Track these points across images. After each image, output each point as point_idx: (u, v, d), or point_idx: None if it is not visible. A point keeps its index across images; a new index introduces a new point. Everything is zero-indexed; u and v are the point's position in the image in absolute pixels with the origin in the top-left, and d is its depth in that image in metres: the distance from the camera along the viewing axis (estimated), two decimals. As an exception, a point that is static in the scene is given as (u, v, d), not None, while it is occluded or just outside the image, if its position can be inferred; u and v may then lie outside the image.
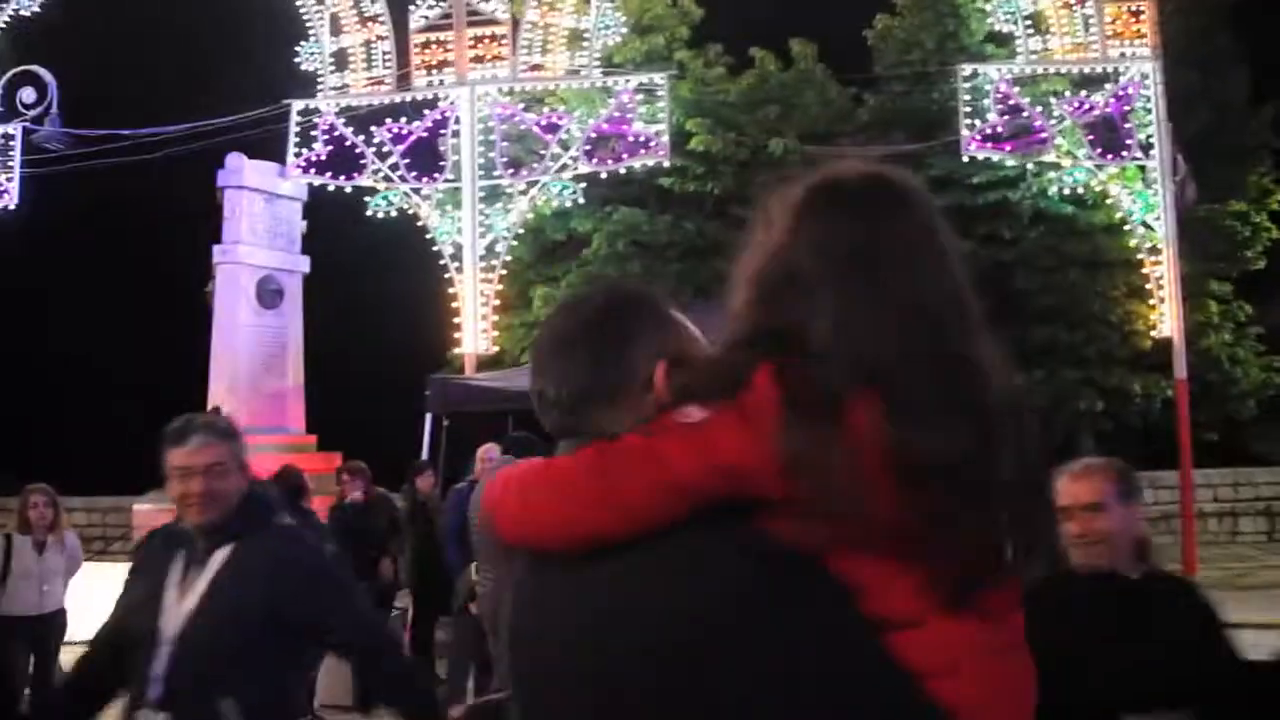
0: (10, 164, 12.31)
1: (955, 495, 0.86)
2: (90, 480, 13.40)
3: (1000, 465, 0.89)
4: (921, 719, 0.88)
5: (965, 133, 11.48)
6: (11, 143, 12.34)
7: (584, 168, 11.66)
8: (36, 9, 12.45)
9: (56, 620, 6.40)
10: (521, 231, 12.09)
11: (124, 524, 12.16)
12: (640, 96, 11.84)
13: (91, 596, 9.75)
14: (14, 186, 12.25)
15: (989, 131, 11.51)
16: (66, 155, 12.88)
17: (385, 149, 11.68)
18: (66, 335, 14.09)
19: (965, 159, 11.56)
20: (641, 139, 11.65)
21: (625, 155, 11.66)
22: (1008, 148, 11.50)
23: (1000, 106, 11.50)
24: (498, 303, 12.00)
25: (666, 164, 11.73)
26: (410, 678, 2.31)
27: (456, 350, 11.87)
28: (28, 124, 12.41)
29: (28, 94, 12.45)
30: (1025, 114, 11.50)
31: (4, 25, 12.52)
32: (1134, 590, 2.11)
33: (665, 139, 11.56)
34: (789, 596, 0.89)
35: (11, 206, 12.28)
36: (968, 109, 11.56)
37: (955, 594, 0.88)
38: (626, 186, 12.48)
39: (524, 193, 11.81)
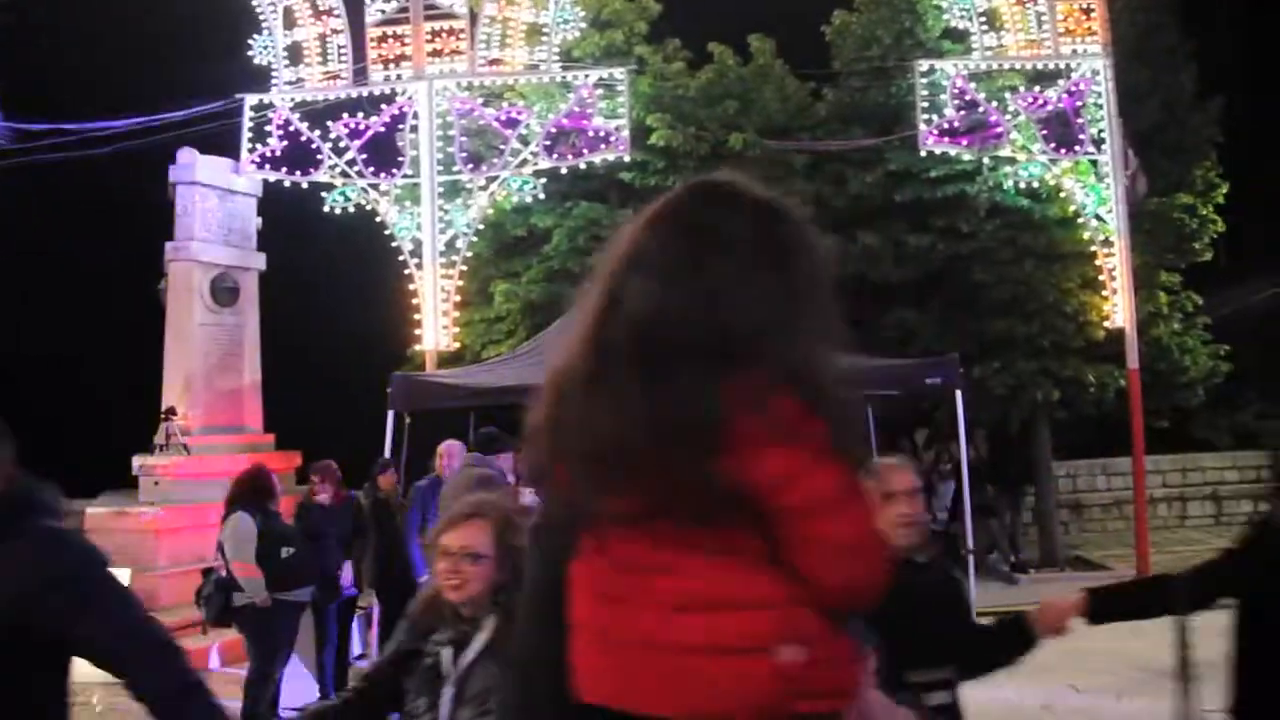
0: (-49, 159, 11.97)
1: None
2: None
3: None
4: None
5: (923, 127, 11.61)
6: (-47, 138, 12.00)
7: (544, 163, 11.62)
8: (-24, 0, 12.11)
9: None
10: (481, 227, 12.01)
11: (75, 528, 11.85)
12: (600, 91, 11.82)
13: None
14: (-44, 183, 11.92)
15: (946, 126, 11.66)
16: (7, 150, 12.53)
17: (342, 144, 11.54)
18: (13, 335, 13.71)
19: (923, 153, 11.68)
20: (601, 134, 11.63)
21: (585, 150, 11.63)
22: (964, 142, 11.65)
23: (957, 102, 11.65)
24: (458, 299, 11.91)
25: (627, 159, 11.73)
26: (184, 696, 2.05)
27: (417, 347, 11.77)
28: (-31, 119, 12.08)
29: (-32, 89, 12.11)
30: (981, 109, 11.66)
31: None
32: (925, 570, 2.65)
33: (625, 134, 11.56)
34: None
35: (-47, 203, 11.95)
36: (925, 104, 11.69)
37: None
38: (587, 181, 12.42)
39: (484, 188, 11.74)
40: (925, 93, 11.74)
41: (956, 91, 11.67)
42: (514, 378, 9.01)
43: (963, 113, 11.65)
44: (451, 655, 2.40)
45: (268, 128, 11.51)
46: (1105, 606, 2.89)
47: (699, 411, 1.06)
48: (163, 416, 10.54)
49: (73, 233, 14.27)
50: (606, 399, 1.09)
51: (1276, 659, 2.57)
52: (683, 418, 1.05)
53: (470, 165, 11.69)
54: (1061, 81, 11.76)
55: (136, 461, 10.48)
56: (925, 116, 11.65)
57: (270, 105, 11.58)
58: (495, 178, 11.71)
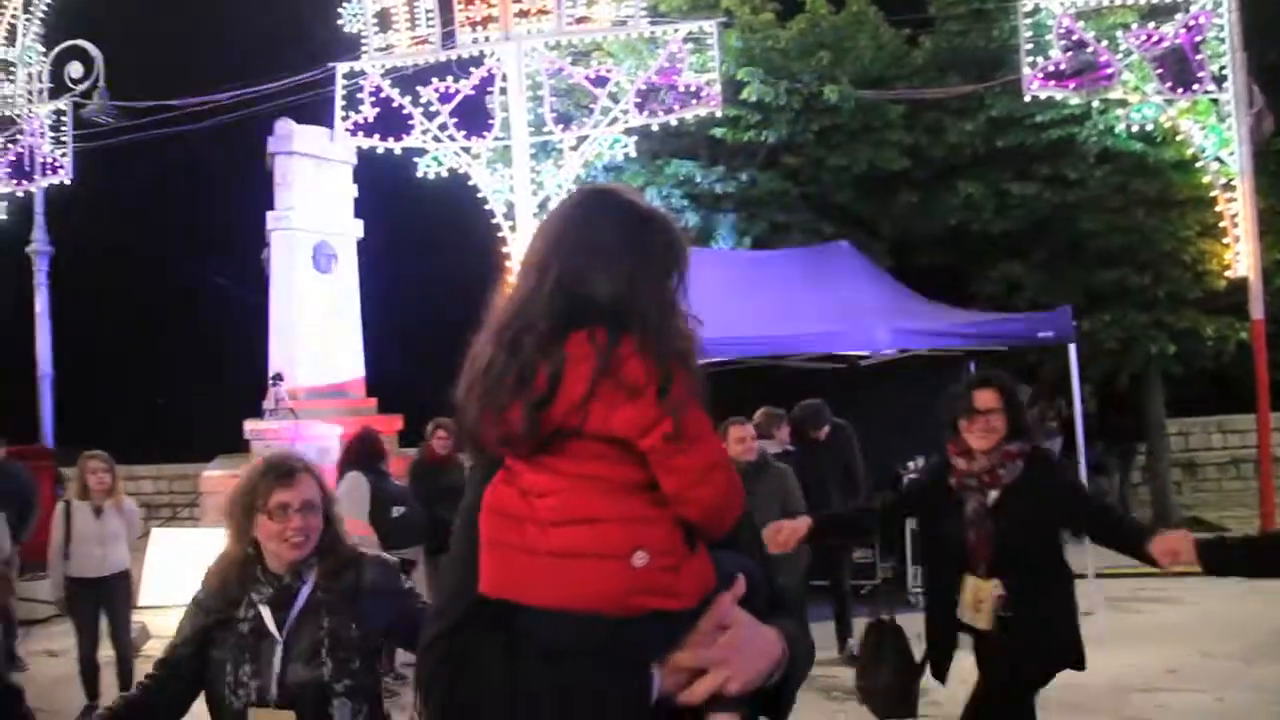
0: (63, 139, 12.43)
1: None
2: (157, 448, 13.61)
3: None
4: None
5: (1027, 71, 11.08)
6: (63, 118, 12.44)
7: (635, 120, 11.47)
8: (81, -17, 12.49)
9: (120, 582, 6.55)
10: (574, 187, 11.93)
11: (191, 490, 12.37)
12: (689, 46, 11.58)
13: (164, 560, 9.97)
14: (68, 162, 12.38)
15: (1052, 69, 11.10)
16: (117, 128, 12.96)
17: (433, 108, 11.57)
18: (129, 308, 14.27)
19: (1027, 98, 11.16)
20: (692, 89, 11.42)
21: (676, 106, 11.44)
22: (1072, 85, 11.08)
23: (1063, 42, 11.07)
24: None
25: (719, 114, 11.50)
26: None
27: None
28: (77, 99, 12.50)
29: (75, 69, 12.54)
30: (1090, 49, 11.05)
31: (50, 1, 12.58)
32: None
33: (716, 89, 11.32)
34: None
35: (67, 181, 12.42)
36: (1029, 46, 11.14)
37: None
38: (678, 139, 12.25)
39: (575, 148, 11.66)
40: (1029, 34, 11.17)
41: (1063, 31, 11.09)
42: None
43: (1070, 54, 11.06)
44: (272, 613, 2.41)
45: (360, 95, 11.60)
46: (1223, 555, 3.13)
47: (540, 370, 1.36)
48: (271, 382, 10.84)
49: (180, 206, 14.72)
50: (490, 362, 1.41)
51: None
52: (528, 375, 1.36)
53: (561, 125, 11.62)
54: (1178, 16, 11.09)
55: (248, 426, 10.81)
56: (1029, 59, 11.10)
57: (361, 73, 11.67)
58: (586, 137, 11.62)
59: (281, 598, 2.43)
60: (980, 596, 3.67)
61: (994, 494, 3.71)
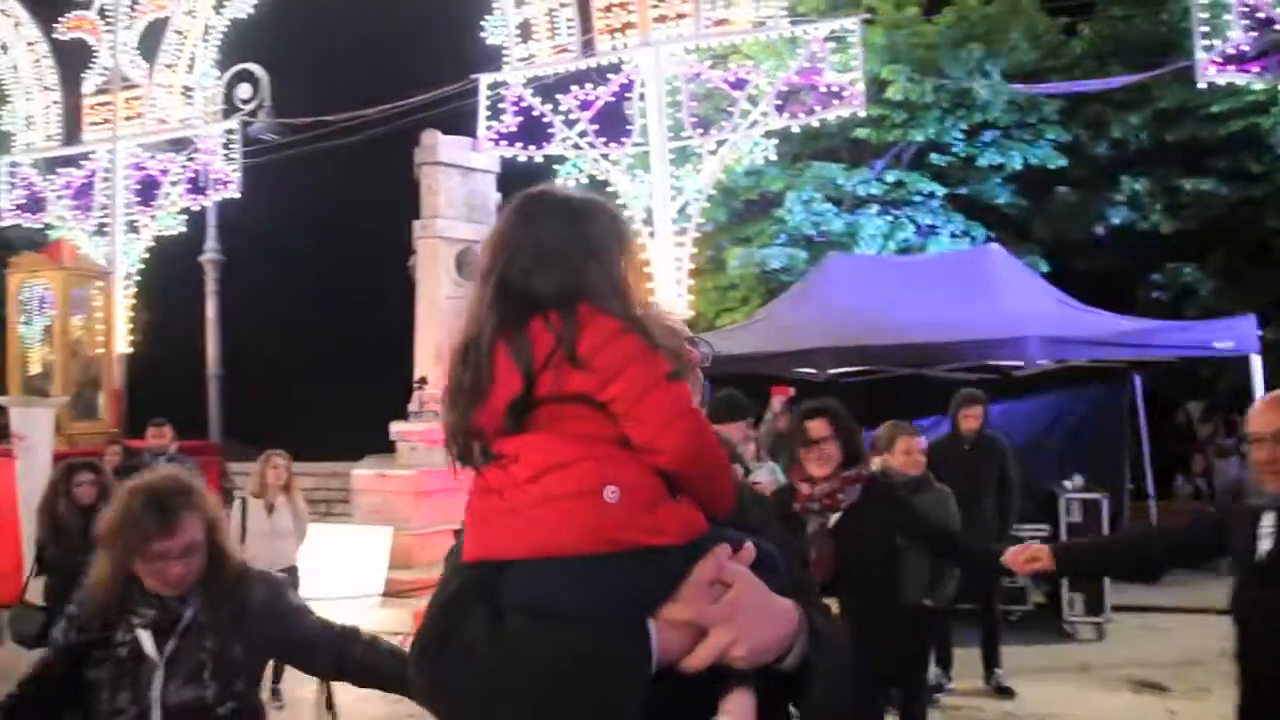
0: (233, 157, 13.22)
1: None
2: (312, 447, 14.28)
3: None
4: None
5: (1201, 56, 10.22)
6: (233, 137, 13.23)
7: (775, 123, 11.24)
8: (250, 10, 13.25)
9: (288, 577, 6.79)
10: (713, 193, 11.84)
11: (343, 488, 12.87)
12: (830, 45, 11.28)
13: (318, 555, 10.41)
14: (237, 177, 13.15)
15: (1231, 52, 10.23)
16: (279, 144, 13.71)
17: (573, 116, 11.68)
18: (288, 313, 15.03)
19: (1201, 86, 10.33)
20: (834, 89, 11.10)
21: (818, 107, 11.14)
22: (1255, 69, 10.18)
23: (1245, 21, 10.17)
24: (691, 266, 11.84)
25: (862, 114, 11.15)
26: None
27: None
28: (245, 118, 13.29)
29: (244, 91, 13.33)
30: (1278, 27, 10.15)
31: (224, 30, 13.43)
32: None
33: (859, 88, 10.96)
34: None
35: (236, 195, 13.20)
36: (1204, 28, 10.30)
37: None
38: (819, 140, 11.96)
39: (714, 152, 11.54)
40: (1205, 15, 10.34)
41: (1245, 9, 10.20)
42: (749, 345, 8.83)
43: (1253, 34, 10.18)
44: (152, 637, 2.36)
45: (502, 105, 11.83)
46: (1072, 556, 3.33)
47: (495, 366, 1.38)
48: (416, 385, 11.17)
49: (335, 215, 15.41)
50: (454, 380, 1.43)
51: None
52: (484, 378, 1.39)
53: (699, 129, 11.52)
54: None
55: (394, 428, 11.18)
56: (1204, 43, 10.26)
57: (504, 83, 11.89)
58: (725, 141, 11.49)
59: (163, 621, 2.39)
60: None
61: (834, 517, 3.93)
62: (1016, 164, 11.54)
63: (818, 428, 3.96)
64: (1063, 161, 11.56)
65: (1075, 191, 11.71)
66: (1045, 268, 11.42)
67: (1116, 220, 11.53)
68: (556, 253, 1.43)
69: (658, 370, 1.37)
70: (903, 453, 5.45)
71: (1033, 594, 8.16)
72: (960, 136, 11.71)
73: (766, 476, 5.36)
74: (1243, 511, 3.16)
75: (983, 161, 11.69)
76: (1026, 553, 3.51)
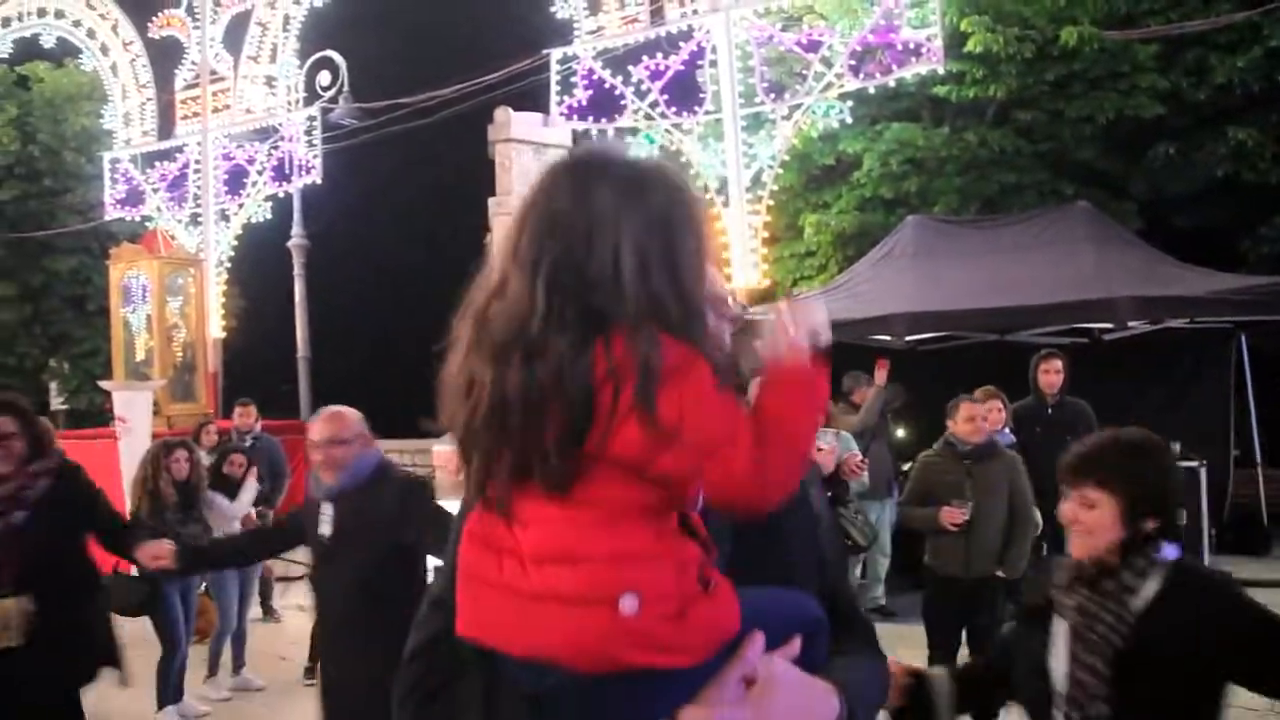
0: (314, 143, 13.52)
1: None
2: (398, 425, 14.59)
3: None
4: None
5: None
6: (314, 123, 13.53)
7: (850, 84, 10.90)
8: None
9: None
10: (787, 159, 11.57)
11: (430, 465, 13.14)
12: (907, 0, 10.87)
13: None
14: (319, 163, 13.45)
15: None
16: (357, 128, 13.98)
17: (644, 87, 11.55)
18: (372, 294, 15.38)
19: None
20: (911, 46, 10.69)
21: (894, 66, 10.74)
22: (1375, 2, 9.45)
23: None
24: (766, 235, 11.62)
25: (941, 71, 10.70)
26: None
27: (727, 285, 11.65)
28: (325, 105, 13.57)
29: (324, 78, 13.62)
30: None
31: (302, 19, 13.72)
32: None
33: (938, 43, 10.51)
34: None
35: (318, 181, 13.51)
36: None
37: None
38: (897, 101, 11.56)
39: (787, 118, 11.26)
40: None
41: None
42: (827, 312, 8.62)
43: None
44: None
45: (573, 79, 11.78)
46: None
47: (563, 380, 1.11)
48: (495, 362, 11.29)
49: (414, 195, 15.66)
50: (496, 368, 1.16)
51: None
52: (548, 387, 1.12)
53: (772, 95, 11.26)
54: None
55: (473, 404, 11.34)
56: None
57: (575, 57, 11.84)
58: (799, 105, 11.20)
59: None
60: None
61: (21, 514, 3.79)
62: (1109, 116, 10.94)
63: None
64: (1160, 110, 10.92)
65: (1173, 143, 11.05)
66: (1139, 224, 10.84)
67: (1219, 173, 10.85)
68: (616, 239, 1.15)
69: (704, 391, 1.11)
70: (965, 419, 5.25)
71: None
72: (1046, 89, 11.16)
73: (828, 444, 5.20)
74: None
75: (1071, 114, 11.12)
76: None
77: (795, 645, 1.18)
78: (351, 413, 3.82)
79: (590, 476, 1.12)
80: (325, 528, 3.69)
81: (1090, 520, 2.21)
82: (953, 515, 4.99)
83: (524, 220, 1.21)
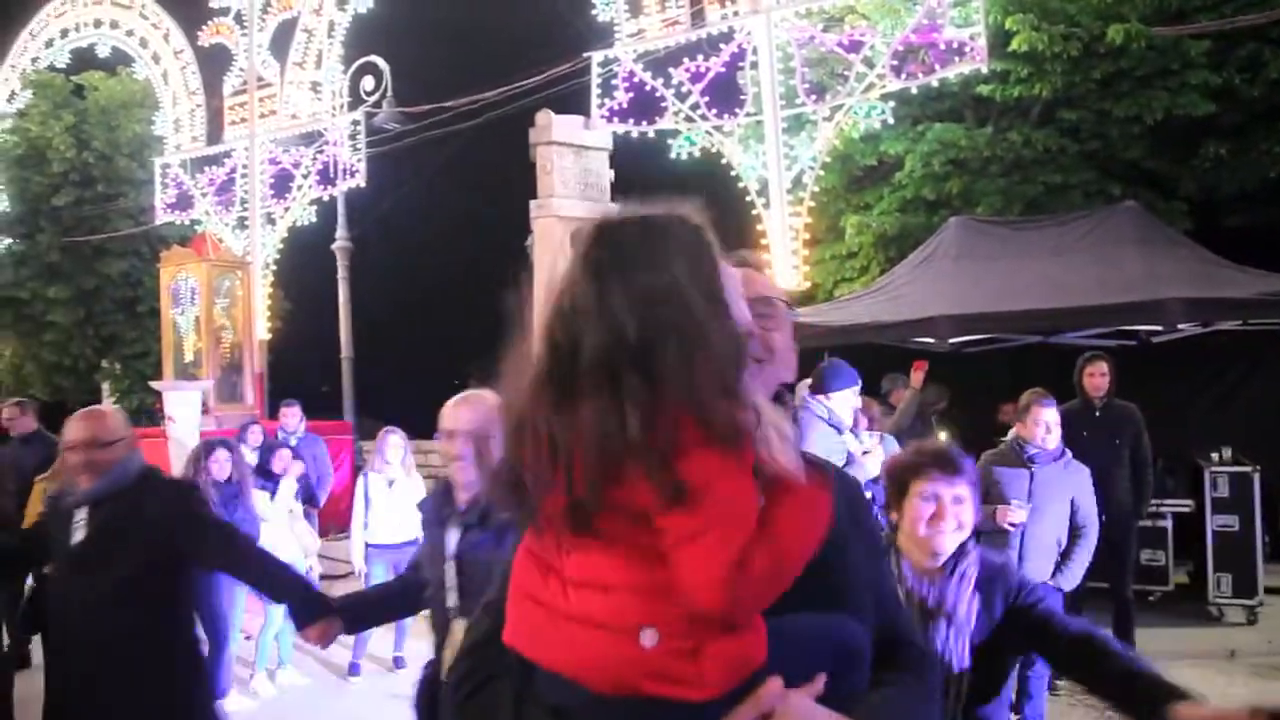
0: (358, 147, 13.70)
1: None
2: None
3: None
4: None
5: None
6: (358, 128, 13.70)
7: (892, 85, 10.82)
8: (370, 4, 13.68)
9: (410, 549, 7.03)
10: (828, 160, 11.52)
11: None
12: (950, -1, 10.75)
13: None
14: (362, 167, 13.63)
15: None
16: (401, 132, 14.14)
17: (684, 89, 11.56)
18: (414, 296, 15.52)
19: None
20: (954, 46, 10.59)
21: (937, 66, 10.65)
22: None
23: None
24: (807, 236, 11.56)
25: (985, 70, 10.58)
26: None
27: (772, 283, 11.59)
28: (369, 109, 13.75)
29: (368, 83, 13.80)
30: None
31: (347, 25, 13.91)
32: None
33: (982, 42, 10.41)
34: None
35: (362, 184, 13.68)
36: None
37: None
38: (940, 101, 11.44)
39: (829, 119, 11.21)
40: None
41: None
42: (868, 315, 8.58)
43: None
44: None
45: (614, 82, 11.82)
46: None
47: (603, 432, 1.17)
48: (535, 364, 11.35)
49: (456, 198, 15.79)
50: (546, 410, 1.24)
51: None
52: (595, 437, 1.18)
53: (814, 96, 11.21)
54: None
55: (515, 406, 11.40)
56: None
57: (616, 60, 11.88)
58: (840, 106, 11.14)
59: None
60: None
61: None
62: (1158, 114, 10.73)
63: None
64: (1212, 108, 10.68)
65: (1226, 142, 10.81)
66: (1189, 225, 10.61)
67: (1274, 174, 10.60)
68: (640, 295, 1.23)
69: (726, 516, 1.15)
70: (1033, 423, 5.16)
71: (1174, 573, 7.65)
72: (1093, 88, 10.97)
73: (870, 445, 5.13)
74: None
75: (1118, 113, 10.92)
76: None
77: (820, 681, 1.20)
78: (114, 412, 3.58)
79: (614, 516, 1.20)
80: (78, 534, 3.34)
81: (967, 517, 2.44)
82: (1008, 514, 4.90)
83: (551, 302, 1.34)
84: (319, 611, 3.13)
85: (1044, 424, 5.14)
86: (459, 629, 2.43)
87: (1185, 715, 1.79)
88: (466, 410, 2.73)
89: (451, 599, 2.59)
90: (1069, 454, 5.23)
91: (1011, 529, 4.90)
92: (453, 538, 2.65)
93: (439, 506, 2.81)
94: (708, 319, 1.22)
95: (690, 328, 1.20)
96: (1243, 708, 1.67)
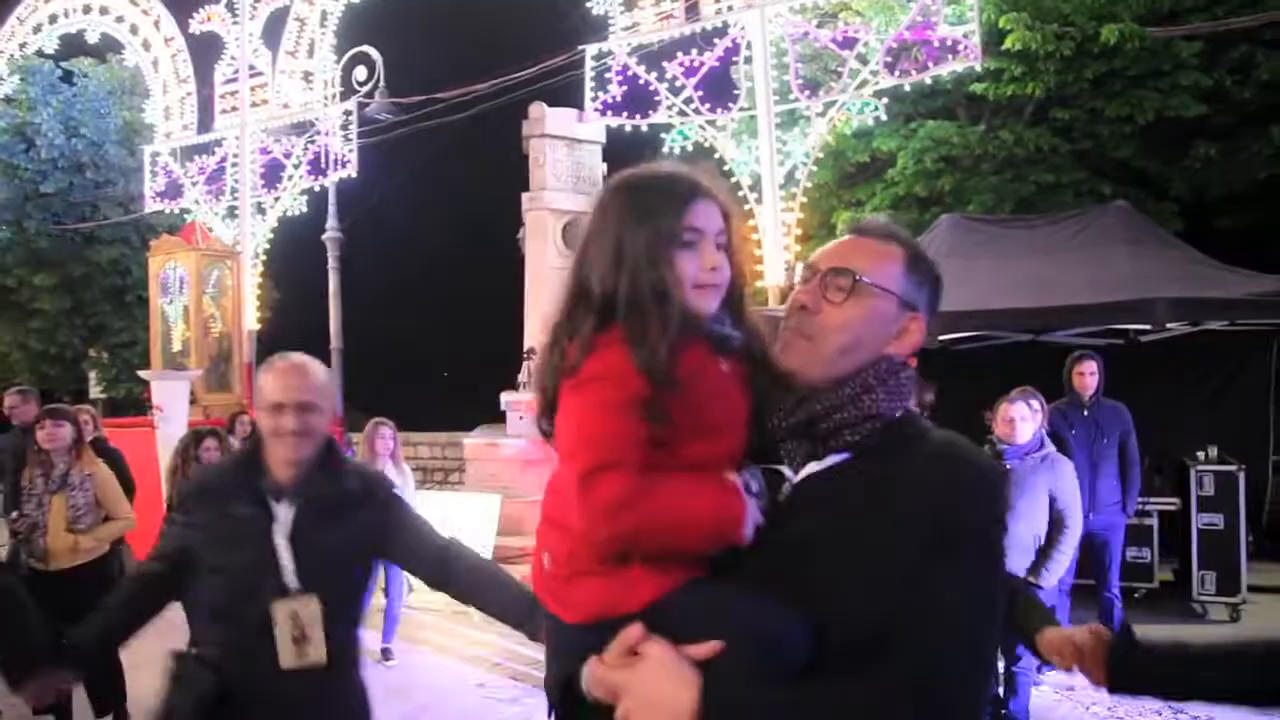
0: (350, 137, 13.64)
1: None
2: (429, 417, 14.70)
3: None
4: None
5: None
6: (350, 118, 13.65)
7: (885, 82, 10.84)
8: (365, -6, 13.64)
9: None
10: (821, 156, 11.53)
11: (460, 457, 13.24)
12: (944, -3, 10.76)
13: (436, 521, 10.77)
14: (354, 157, 13.58)
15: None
16: (392, 123, 14.09)
17: (678, 83, 11.55)
18: (405, 288, 15.48)
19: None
20: (948, 43, 10.61)
21: (931, 63, 10.67)
22: None
23: None
24: (799, 232, 11.59)
25: (978, 68, 10.61)
26: None
27: (760, 283, 11.63)
28: (361, 99, 13.69)
29: (360, 73, 13.74)
30: None
31: (339, 15, 13.85)
32: None
33: (975, 40, 10.43)
34: None
35: (353, 174, 13.63)
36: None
37: None
38: (933, 99, 11.46)
39: (822, 115, 11.22)
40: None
41: None
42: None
43: None
44: None
45: (608, 75, 11.80)
46: None
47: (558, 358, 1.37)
48: (525, 356, 11.34)
49: (447, 190, 15.74)
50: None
51: None
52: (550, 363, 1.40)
53: (807, 92, 11.22)
54: None
55: (504, 398, 11.40)
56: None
57: (610, 53, 11.85)
58: (834, 102, 11.15)
59: None
60: None
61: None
62: (1149, 115, 10.78)
63: None
64: (1203, 110, 10.73)
65: (1216, 143, 10.86)
66: (1179, 226, 10.67)
67: (1263, 175, 10.66)
68: (603, 239, 1.41)
69: (592, 430, 1.30)
70: (1002, 420, 5.19)
71: (1159, 570, 7.70)
72: (1085, 87, 11.01)
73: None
74: None
75: (1110, 113, 10.97)
76: (1068, 642, 2.01)
77: (708, 647, 1.24)
78: None
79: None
80: None
81: None
82: None
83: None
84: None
85: (1008, 419, 5.18)
86: (301, 607, 2.42)
87: (1049, 638, 2.06)
88: (295, 379, 2.53)
89: (290, 579, 2.44)
90: (1049, 448, 5.25)
91: None
92: (284, 515, 2.48)
93: (239, 482, 2.54)
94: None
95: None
96: (1085, 628, 1.96)
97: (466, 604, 2.68)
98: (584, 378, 1.30)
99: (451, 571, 2.65)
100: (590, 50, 11.96)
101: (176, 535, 2.67)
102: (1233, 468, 7.45)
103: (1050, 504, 5.07)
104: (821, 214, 12.20)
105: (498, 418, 11.74)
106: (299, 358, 2.59)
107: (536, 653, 1.88)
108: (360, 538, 2.57)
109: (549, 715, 1.43)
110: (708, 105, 11.51)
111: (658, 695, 1.22)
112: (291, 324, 15.19)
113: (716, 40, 11.51)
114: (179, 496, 5.94)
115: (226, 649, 2.49)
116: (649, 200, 1.38)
